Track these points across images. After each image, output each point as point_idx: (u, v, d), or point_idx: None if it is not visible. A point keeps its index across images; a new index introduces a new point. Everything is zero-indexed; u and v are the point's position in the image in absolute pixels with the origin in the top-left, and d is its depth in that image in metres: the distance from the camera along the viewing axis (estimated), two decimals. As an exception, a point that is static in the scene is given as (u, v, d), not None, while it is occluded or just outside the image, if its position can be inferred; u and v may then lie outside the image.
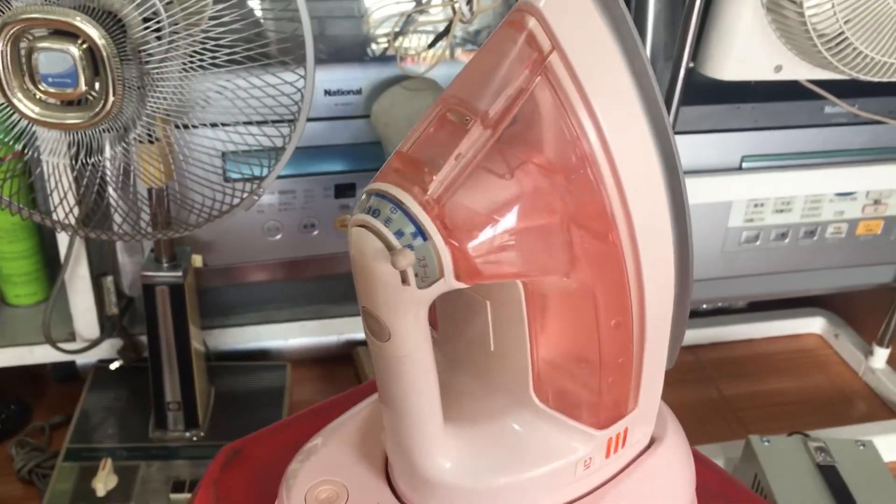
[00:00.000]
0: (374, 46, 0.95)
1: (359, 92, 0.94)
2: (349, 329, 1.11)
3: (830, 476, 0.87)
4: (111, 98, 0.63)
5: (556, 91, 0.37)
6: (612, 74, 0.39)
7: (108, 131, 0.71)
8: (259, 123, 0.75)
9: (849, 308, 1.29)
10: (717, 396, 1.14)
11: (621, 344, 0.42)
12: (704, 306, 1.25)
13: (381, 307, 0.37)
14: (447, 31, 0.91)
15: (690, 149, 0.97)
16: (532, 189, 0.38)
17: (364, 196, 0.37)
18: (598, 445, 0.44)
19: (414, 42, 0.95)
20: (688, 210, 0.42)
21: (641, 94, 0.40)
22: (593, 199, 0.39)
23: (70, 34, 0.62)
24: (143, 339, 1.02)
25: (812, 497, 0.85)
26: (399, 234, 0.35)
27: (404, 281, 0.36)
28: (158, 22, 0.66)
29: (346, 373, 1.13)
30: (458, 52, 0.97)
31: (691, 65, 0.82)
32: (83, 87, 0.63)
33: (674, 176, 0.42)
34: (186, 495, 0.89)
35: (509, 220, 0.37)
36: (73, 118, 0.65)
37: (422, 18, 0.93)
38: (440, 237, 0.35)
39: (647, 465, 0.48)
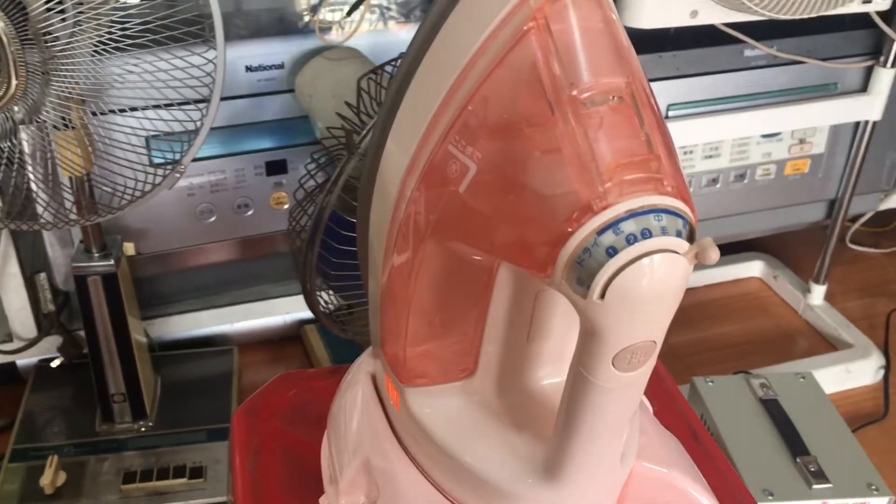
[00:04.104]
0: (293, 19, 0.94)
1: (281, 66, 0.93)
2: (294, 308, 1.10)
3: (773, 409, 0.89)
4: (14, 82, 0.62)
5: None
6: None
7: (23, 122, 0.69)
8: (179, 104, 0.73)
9: (785, 249, 1.32)
10: (663, 346, 1.16)
11: None
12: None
13: (664, 325, 0.35)
14: (363, -2, 0.90)
15: (616, 101, 0.97)
16: None
17: (605, 234, 0.32)
18: None
19: (333, 13, 0.94)
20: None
21: None
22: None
23: (-34, 18, 0.60)
24: (83, 334, 1.00)
25: (756, 430, 0.87)
26: (678, 234, 0.33)
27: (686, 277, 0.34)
28: (61, 3, 0.64)
29: (295, 353, 1.12)
30: (377, 19, 0.96)
31: (608, 15, 0.83)
32: (-16, 72, 0.62)
33: None
34: (139, 485, 0.88)
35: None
36: (-25, 104, 0.63)
37: (339, -12, 0.93)
38: (692, 214, 0.34)
39: None
